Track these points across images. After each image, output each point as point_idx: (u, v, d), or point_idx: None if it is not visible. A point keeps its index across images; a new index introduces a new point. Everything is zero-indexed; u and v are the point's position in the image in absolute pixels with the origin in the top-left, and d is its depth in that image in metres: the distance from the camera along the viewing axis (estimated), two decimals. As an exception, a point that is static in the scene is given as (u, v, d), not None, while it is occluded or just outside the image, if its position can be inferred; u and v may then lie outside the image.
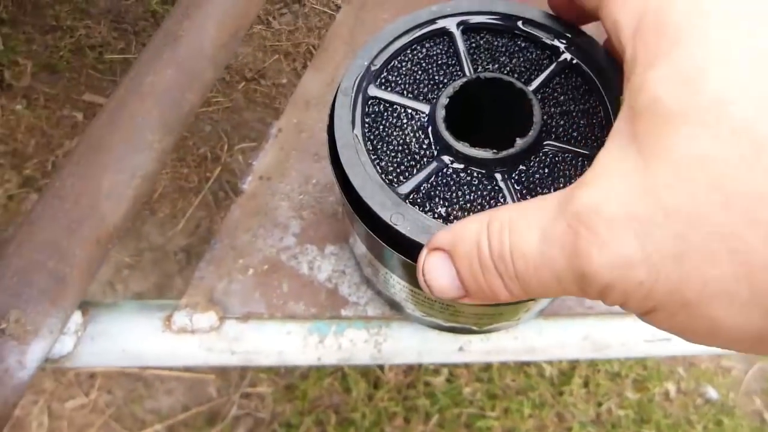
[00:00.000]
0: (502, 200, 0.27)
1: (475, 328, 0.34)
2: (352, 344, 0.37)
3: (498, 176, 0.27)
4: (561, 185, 0.27)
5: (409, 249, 0.26)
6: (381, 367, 0.87)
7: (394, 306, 0.36)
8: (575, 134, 0.29)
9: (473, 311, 0.32)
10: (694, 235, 0.15)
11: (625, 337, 0.38)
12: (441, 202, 0.27)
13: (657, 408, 0.84)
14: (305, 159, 0.42)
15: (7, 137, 1.09)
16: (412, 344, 0.37)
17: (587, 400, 0.85)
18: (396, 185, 0.27)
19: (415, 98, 0.30)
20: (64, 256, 0.35)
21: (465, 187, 0.27)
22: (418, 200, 0.27)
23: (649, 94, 0.17)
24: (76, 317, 0.37)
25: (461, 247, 0.21)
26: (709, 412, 0.84)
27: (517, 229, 0.19)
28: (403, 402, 0.85)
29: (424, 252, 0.23)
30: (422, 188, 0.27)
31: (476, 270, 0.21)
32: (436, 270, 0.22)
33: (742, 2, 0.17)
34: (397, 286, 0.32)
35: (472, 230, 0.21)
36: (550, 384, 0.86)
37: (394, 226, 0.25)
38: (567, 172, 0.28)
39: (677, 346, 0.38)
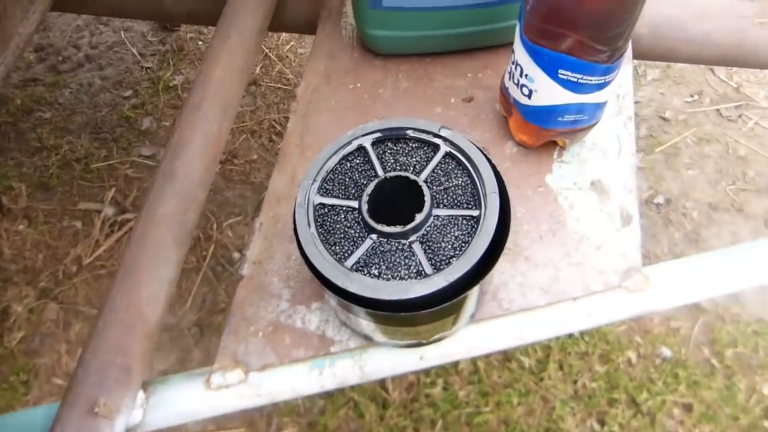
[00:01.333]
0: (414, 258, 0.41)
1: (423, 341, 0.48)
2: (342, 371, 0.51)
3: (409, 242, 0.42)
4: (450, 239, 0.42)
5: (361, 301, 0.40)
6: (386, 389, 1.00)
7: (367, 337, 0.50)
8: (456, 202, 0.43)
9: (420, 329, 0.46)
10: None
11: (537, 326, 0.52)
12: (374, 267, 0.41)
13: (623, 375, 0.98)
14: (284, 242, 0.57)
15: (16, 257, 1.22)
16: (386, 362, 0.51)
17: (564, 380, 0.99)
18: (343, 261, 0.42)
19: (347, 198, 0.44)
20: (126, 352, 0.48)
21: (388, 253, 0.42)
22: (359, 268, 0.41)
23: None
24: (141, 394, 0.50)
25: None
26: (666, 369, 0.98)
27: None
28: (410, 415, 0.98)
29: None
30: (361, 260, 0.42)
31: None
32: None
33: None
34: (364, 324, 0.46)
35: None
36: (531, 373, 1.00)
37: (346, 289, 0.40)
38: (453, 229, 0.42)
39: (575, 324, 0.52)
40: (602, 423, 0.95)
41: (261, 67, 1.38)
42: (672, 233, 1.13)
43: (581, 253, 0.54)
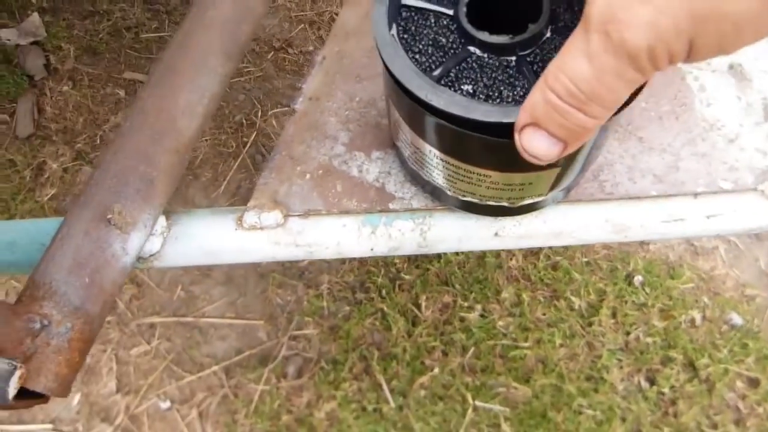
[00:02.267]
0: (519, 78, 0.32)
1: (506, 204, 0.39)
2: (400, 233, 0.43)
3: (514, 58, 0.32)
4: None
5: (445, 118, 0.31)
6: (419, 306, 0.92)
7: (436, 194, 0.41)
8: (577, 20, 0.33)
9: (508, 179, 0.37)
10: None
11: (643, 219, 0.42)
12: (467, 82, 0.32)
13: (683, 334, 0.88)
14: (348, 81, 0.48)
15: (57, 116, 1.17)
16: (453, 231, 0.43)
17: (616, 330, 0.90)
18: (429, 72, 0.32)
19: (441, 3, 0.35)
20: (151, 161, 0.40)
21: (487, 68, 0.32)
22: (450, 83, 0.32)
23: None
24: (162, 221, 0.43)
25: (538, 112, 0.25)
26: (734, 337, 0.88)
27: (566, 68, 0.23)
28: (440, 337, 0.90)
29: (516, 136, 0.26)
30: (452, 73, 0.32)
31: (559, 118, 0.24)
32: (531, 141, 0.26)
33: None
34: (438, 163, 0.37)
35: (537, 96, 0.25)
36: (580, 316, 0.91)
37: (429, 102, 0.30)
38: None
39: (691, 225, 0.42)
40: (652, 381, 0.86)
41: (332, -46, 1.27)
42: None
43: (709, 142, 0.44)
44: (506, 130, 0.29)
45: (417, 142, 0.36)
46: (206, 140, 1.11)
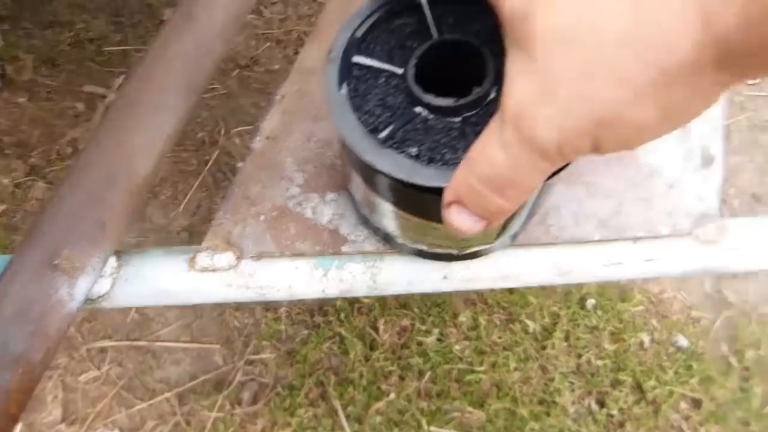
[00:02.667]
0: (462, 140, 0.33)
1: (455, 252, 0.41)
2: (352, 276, 0.43)
3: (459, 120, 0.34)
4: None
5: (388, 183, 0.32)
6: (376, 330, 0.93)
7: (387, 239, 0.42)
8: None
9: (444, 247, 0.38)
10: (563, 86, 0.23)
11: (586, 263, 0.44)
12: (413, 145, 0.33)
13: (632, 357, 0.91)
14: (306, 120, 0.48)
15: (12, 129, 1.14)
16: (403, 275, 0.44)
17: (568, 353, 0.92)
18: (376, 133, 0.33)
19: (391, 62, 0.36)
20: (104, 204, 0.40)
21: (432, 131, 0.33)
22: (395, 144, 0.33)
23: (514, 18, 0.25)
24: (112, 261, 0.43)
25: (461, 193, 0.28)
26: (680, 359, 0.92)
27: (484, 154, 0.26)
28: (398, 361, 0.91)
29: (443, 212, 0.29)
30: (397, 134, 0.33)
31: (479, 200, 0.27)
32: (456, 218, 0.28)
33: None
34: (387, 213, 0.38)
35: (461, 177, 0.27)
36: (534, 339, 0.93)
37: (374, 166, 0.32)
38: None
39: (629, 269, 0.44)
40: (602, 404, 0.89)
41: (299, -26, 1.28)
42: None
43: (650, 188, 0.46)
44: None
45: (367, 192, 0.37)
46: (167, 157, 1.10)
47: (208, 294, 0.44)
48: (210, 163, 1.10)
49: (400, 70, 0.35)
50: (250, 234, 0.44)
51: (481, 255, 0.42)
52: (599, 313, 0.95)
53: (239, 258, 0.44)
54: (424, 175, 0.31)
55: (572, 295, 0.96)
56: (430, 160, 0.33)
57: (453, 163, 0.33)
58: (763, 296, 0.97)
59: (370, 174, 0.33)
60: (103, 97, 1.17)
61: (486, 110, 0.34)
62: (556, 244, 0.44)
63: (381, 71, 0.35)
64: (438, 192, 0.32)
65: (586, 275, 0.45)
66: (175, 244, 1.04)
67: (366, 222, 0.43)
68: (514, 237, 0.43)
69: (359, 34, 0.36)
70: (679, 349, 0.93)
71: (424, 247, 0.40)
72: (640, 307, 0.96)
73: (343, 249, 0.44)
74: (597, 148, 0.24)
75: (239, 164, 1.14)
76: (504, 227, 0.39)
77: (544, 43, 0.23)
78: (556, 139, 0.23)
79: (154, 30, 1.22)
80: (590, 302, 0.96)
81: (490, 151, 0.25)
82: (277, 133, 0.48)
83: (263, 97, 1.15)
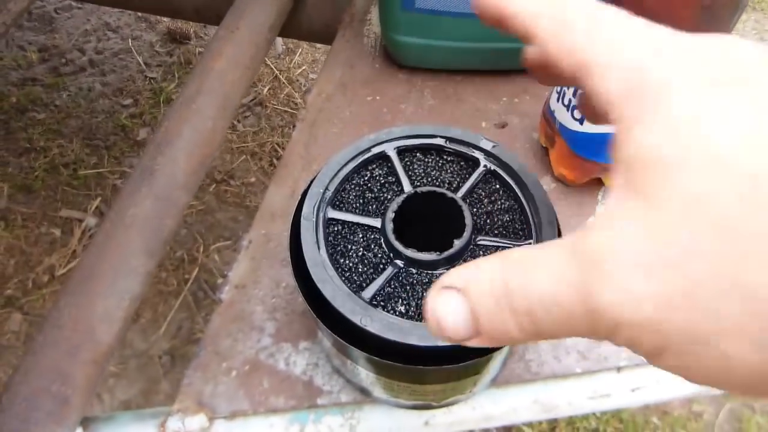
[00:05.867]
0: None
1: (434, 403, 0.39)
2: (329, 430, 0.41)
3: (441, 272, 0.33)
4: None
5: (377, 345, 0.31)
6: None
7: (363, 391, 0.41)
8: (501, 229, 0.35)
9: (432, 389, 0.37)
10: (700, 271, 0.16)
11: (570, 397, 0.43)
12: (400, 302, 0.32)
13: (636, 457, 0.88)
14: (275, 265, 0.48)
15: (-14, 259, 1.13)
16: (383, 424, 0.42)
17: (570, 458, 0.88)
18: (361, 292, 0.32)
19: (367, 215, 0.35)
20: (65, 379, 0.39)
21: (417, 285, 0.33)
22: (381, 302, 0.32)
23: (639, 145, 0.18)
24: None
25: (475, 285, 0.21)
26: (686, 456, 0.88)
27: (531, 268, 0.19)
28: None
29: (433, 291, 0.22)
30: (383, 292, 0.33)
31: (490, 307, 0.20)
32: (448, 307, 0.21)
33: (720, 65, 0.18)
34: (363, 374, 0.37)
35: (486, 269, 0.21)
36: (533, 445, 0.89)
37: (364, 327, 0.30)
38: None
39: (617, 399, 0.43)
40: None
41: (269, 89, 1.32)
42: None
43: (627, 312, 0.45)
44: (437, 354, 0.30)
45: (333, 356, 0.36)
46: (145, 279, 1.08)
47: (180, 461, 0.41)
48: (190, 282, 1.08)
49: (377, 222, 0.35)
50: (221, 392, 0.43)
51: (461, 401, 0.41)
52: (598, 414, 0.92)
53: (212, 419, 0.42)
54: (418, 334, 0.30)
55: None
56: (418, 318, 0.32)
57: None
58: None
59: (345, 343, 0.32)
60: (80, 221, 1.17)
61: (468, 260, 0.33)
62: (536, 380, 0.43)
63: (358, 225, 0.35)
64: (419, 357, 0.30)
65: (572, 409, 0.43)
66: (157, 370, 1.01)
67: (340, 372, 0.42)
68: (494, 379, 0.41)
69: (332, 188, 0.36)
70: (683, 444, 0.90)
71: (403, 401, 0.39)
72: (641, 405, 0.93)
73: (319, 401, 0.42)
74: (686, 371, 0.17)
75: (220, 280, 1.13)
76: (479, 380, 0.38)
77: (684, 208, 0.16)
78: (628, 318, 0.17)
79: (129, 151, 1.24)
80: (586, 400, 0.93)
81: (537, 273, 0.19)
82: (245, 282, 0.47)
83: (241, 211, 1.16)
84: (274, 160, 1.21)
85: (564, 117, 0.46)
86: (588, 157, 0.47)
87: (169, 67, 1.36)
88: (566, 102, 0.45)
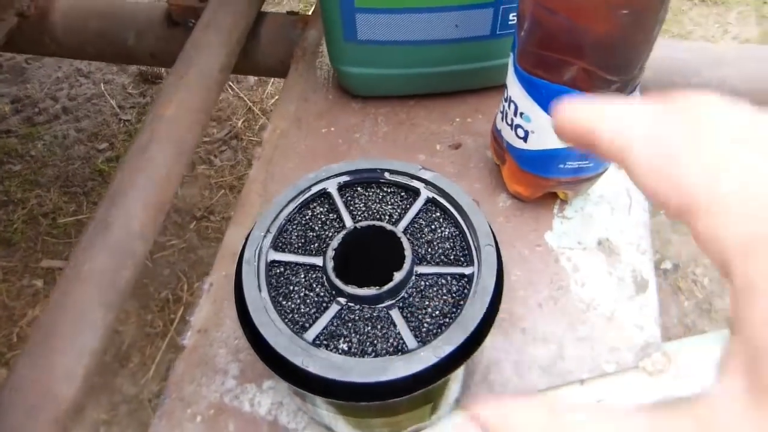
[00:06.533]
0: (392, 327, 0.33)
1: (397, 434, 0.39)
2: (298, 469, 0.41)
3: (386, 307, 0.33)
4: (437, 303, 0.33)
5: (320, 385, 0.31)
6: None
7: (327, 428, 0.41)
8: (442, 257, 0.35)
9: (388, 421, 0.36)
10: None
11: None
12: (342, 340, 0.32)
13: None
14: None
15: (-30, 316, 1.12)
16: (352, 458, 0.41)
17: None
18: (303, 333, 0.33)
19: (308, 254, 0.36)
20: (25, 441, 0.39)
21: (359, 321, 0.33)
22: (324, 341, 0.32)
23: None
24: (44, 495, 0.40)
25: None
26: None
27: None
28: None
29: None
30: (326, 331, 0.33)
31: None
32: None
33: None
34: (323, 412, 0.37)
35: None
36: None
37: (306, 369, 0.30)
38: (439, 291, 0.34)
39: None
40: None
41: (243, 121, 1.32)
42: (681, 302, 1.04)
43: (589, 325, 0.46)
44: (386, 388, 0.30)
45: (295, 396, 0.36)
46: (132, 323, 1.08)
47: None
48: (176, 321, 1.08)
49: (319, 261, 0.35)
50: (188, 439, 0.42)
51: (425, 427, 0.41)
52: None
53: (179, 467, 0.42)
54: (358, 371, 0.30)
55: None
56: (361, 353, 0.32)
57: (384, 353, 0.32)
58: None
59: (297, 380, 0.32)
60: (61, 269, 1.16)
61: (409, 293, 0.34)
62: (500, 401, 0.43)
63: (299, 265, 0.35)
64: (372, 393, 0.30)
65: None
66: (147, 414, 1.00)
67: (302, 409, 0.42)
68: (457, 401, 0.41)
69: (273, 230, 0.36)
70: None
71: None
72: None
73: (286, 441, 0.42)
74: None
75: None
76: (440, 401, 0.38)
77: None
78: None
79: (108, 195, 1.25)
80: None
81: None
82: (208, 326, 0.47)
83: (222, 246, 1.16)
84: (252, 163, 1.21)
85: (509, 135, 0.46)
86: (536, 173, 0.47)
87: (142, 108, 1.36)
88: (509, 121, 0.45)
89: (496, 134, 0.49)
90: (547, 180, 0.47)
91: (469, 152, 0.55)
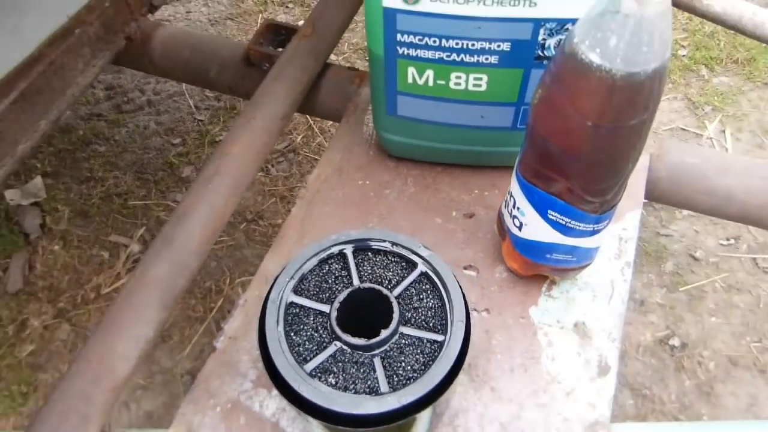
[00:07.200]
0: (372, 374, 0.42)
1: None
2: (288, 466, 0.51)
3: (371, 355, 0.43)
4: (411, 360, 0.42)
5: (310, 408, 0.40)
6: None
7: (317, 435, 0.50)
8: (423, 323, 0.44)
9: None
10: None
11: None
12: (332, 375, 0.42)
13: None
14: (263, 323, 0.58)
15: (45, 274, 1.28)
16: (333, 465, 0.51)
17: None
18: (303, 364, 0.42)
19: (320, 302, 0.45)
20: (89, 401, 0.50)
21: (348, 364, 0.42)
22: (319, 374, 0.42)
23: None
24: (93, 447, 0.51)
25: None
26: None
27: None
28: None
29: None
30: (321, 366, 0.42)
31: None
32: None
33: None
34: (313, 424, 0.46)
35: None
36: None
37: (301, 393, 0.40)
38: (415, 350, 0.43)
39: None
40: None
41: (302, 137, 1.44)
42: (683, 380, 1.08)
43: (549, 394, 0.53)
44: (358, 419, 0.39)
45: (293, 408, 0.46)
46: (177, 305, 1.21)
47: (169, 477, 0.52)
48: (215, 311, 1.20)
49: (327, 308, 0.45)
50: (207, 424, 0.53)
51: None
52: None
53: (197, 446, 0.52)
54: (339, 403, 0.40)
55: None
56: (345, 389, 0.41)
57: (361, 391, 0.41)
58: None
59: (294, 400, 0.42)
60: (126, 246, 1.31)
61: (391, 347, 0.43)
62: (462, 443, 0.51)
63: (311, 309, 0.45)
64: (349, 420, 0.40)
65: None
66: (178, 387, 1.12)
67: (300, 418, 0.52)
68: (424, 437, 0.50)
69: (296, 277, 0.46)
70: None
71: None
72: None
73: (282, 441, 0.52)
74: None
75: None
76: (408, 434, 0.46)
77: None
78: None
79: (173, 186, 1.38)
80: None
81: None
82: (237, 334, 0.57)
83: (266, 249, 1.26)
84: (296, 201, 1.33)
85: (509, 221, 0.55)
86: (527, 257, 0.55)
87: (215, 111, 1.50)
88: (509, 210, 0.54)
89: (500, 215, 0.58)
90: (536, 264, 0.56)
91: (480, 223, 0.64)
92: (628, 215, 0.63)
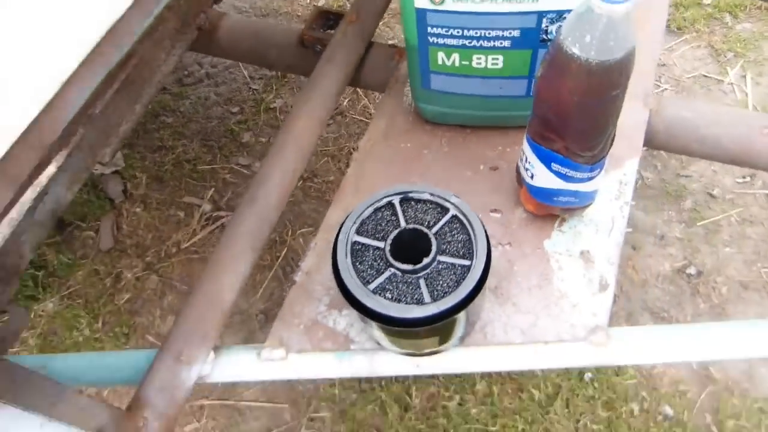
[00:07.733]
0: (418, 290, 0.57)
1: (417, 353, 0.64)
2: (357, 364, 0.67)
3: (416, 277, 0.58)
4: (446, 280, 0.57)
5: (374, 315, 0.56)
6: (410, 395, 1.15)
7: (378, 343, 0.66)
8: (455, 253, 0.59)
9: (414, 343, 0.61)
10: None
11: (512, 358, 0.66)
12: (388, 292, 0.57)
13: (623, 423, 1.08)
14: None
15: (131, 233, 1.48)
16: (390, 364, 0.67)
17: (568, 418, 1.10)
18: (367, 285, 0.58)
19: (376, 239, 0.60)
20: (206, 322, 0.67)
21: (400, 284, 0.58)
22: (378, 291, 0.57)
23: None
24: (212, 355, 0.69)
25: None
26: (666, 426, 1.07)
27: None
28: (426, 421, 1.12)
29: None
30: (380, 285, 0.58)
31: None
32: None
33: None
34: (376, 332, 0.62)
35: None
36: (539, 405, 1.12)
37: (366, 305, 0.56)
38: (449, 273, 0.58)
39: (541, 363, 0.66)
40: (596, 462, 1.06)
41: (348, 101, 1.58)
42: (698, 303, 1.21)
43: (559, 307, 0.68)
44: (409, 322, 0.54)
45: (360, 320, 0.62)
46: (246, 254, 1.39)
47: (269, 375, 0.69)
48: (280, 259, 1.38)
49: (382, 245, 0.60)
50: (294, 337, 0.70)
51: (439, 352, 0.65)
52: (596, 384, 1.13)
53: (287, 353, 0.69)
54: (394, 310, 0.55)
55: (572, 370, 1.15)
56: (398, 301, 0.57)
57: (410, 302, 0.56)
58: (745, 374, 1.12)
59: (362, 311, 0.57)
60: (198, 206, 1.49)
61: (431, 270, 0.58)
62: (489, 345, 0.66)
63: (370, 246, 0.60)
64: (403, 323, 0.55)
65: (511, 365, 0.66)
66: (254, 325, 1.31)
67: (365, 330, 0.68)
68: (461, 340, 0.66)
69: (357, 222, 0.61)
70: (666, 417, 1.09)
71: (400, 350, 0.64)
72: (633, 381, 1.13)
73: (352, 347, 0.68)
74: None
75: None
76: (448, 337, 0.62)
77: None
78: None
79: (236, 151, 1.55)
80: (588, 375, 1.14)
81: None
82: (311, 270, 0.74)
83: (322, 204, 1.43)
84: (350, 162, 1.47)
85: (523, 171, 0.68)
86: (539, 200, 0.69)
87: (268, 80, 1.65)
88: (523, 163, 0.67)
89: (518, 168, 0.71)
90: (546, 206, 0.69)
91: (503, 174, 0.77)
92: (628, 162, 0.76)
